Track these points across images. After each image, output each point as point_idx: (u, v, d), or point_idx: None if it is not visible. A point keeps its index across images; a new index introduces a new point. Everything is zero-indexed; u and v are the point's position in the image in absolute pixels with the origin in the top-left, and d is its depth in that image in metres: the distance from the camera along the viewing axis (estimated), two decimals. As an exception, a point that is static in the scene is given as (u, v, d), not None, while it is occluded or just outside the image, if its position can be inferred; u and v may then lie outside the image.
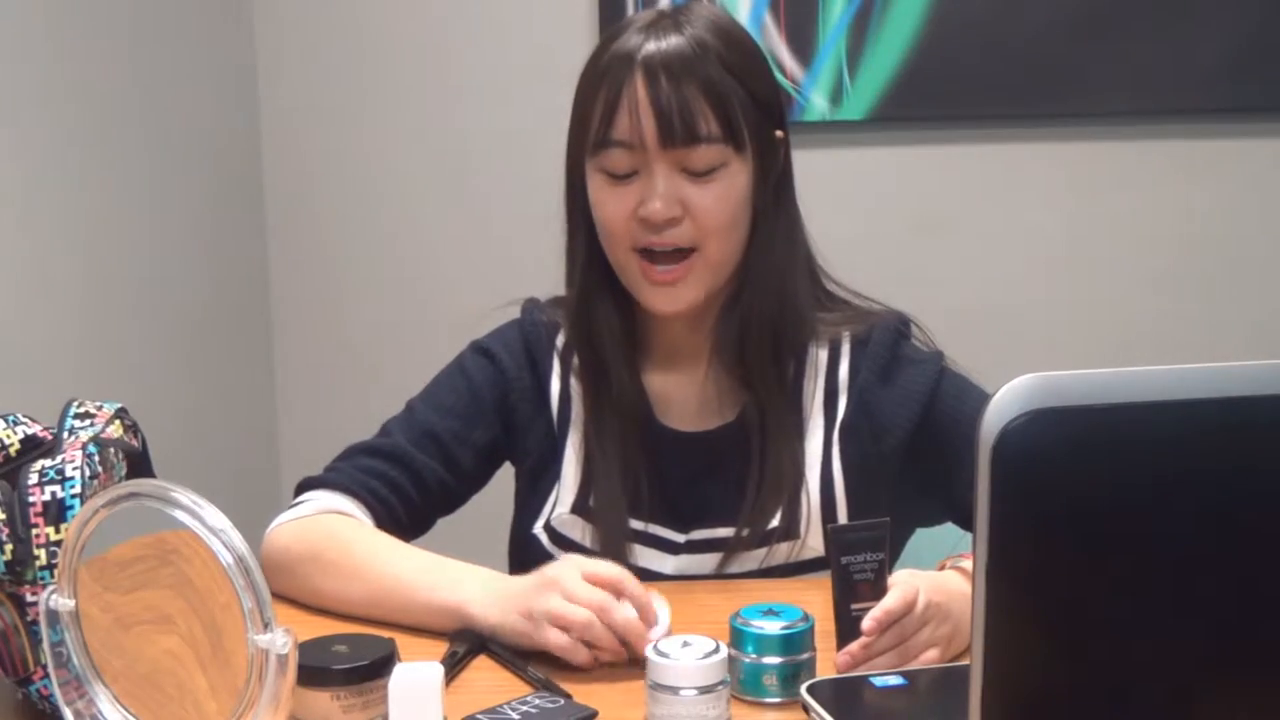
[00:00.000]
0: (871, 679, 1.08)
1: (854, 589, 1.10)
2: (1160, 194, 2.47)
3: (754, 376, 1.37)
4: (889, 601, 1.09)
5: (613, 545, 1.37)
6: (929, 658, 1.11)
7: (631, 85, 1.29)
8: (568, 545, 1.40)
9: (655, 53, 1.29)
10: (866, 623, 1.08)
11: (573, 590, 1.14)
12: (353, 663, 1.03)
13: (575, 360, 1.43)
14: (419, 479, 1.39)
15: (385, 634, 1.12)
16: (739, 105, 1.31)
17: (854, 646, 1.09)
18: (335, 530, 1.32)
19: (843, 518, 1.35)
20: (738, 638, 1.08)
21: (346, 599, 1.27)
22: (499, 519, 1.48)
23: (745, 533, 1.36)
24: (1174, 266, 2.49)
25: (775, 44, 2.40)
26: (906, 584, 1.10)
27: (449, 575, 1.25)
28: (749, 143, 1.33)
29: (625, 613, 1.13)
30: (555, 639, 1.13)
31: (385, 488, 1.38)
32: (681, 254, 1.33)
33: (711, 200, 1.31)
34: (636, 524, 1.39)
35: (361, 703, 1.03)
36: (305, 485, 1.39)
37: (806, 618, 1.09)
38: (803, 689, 1.06)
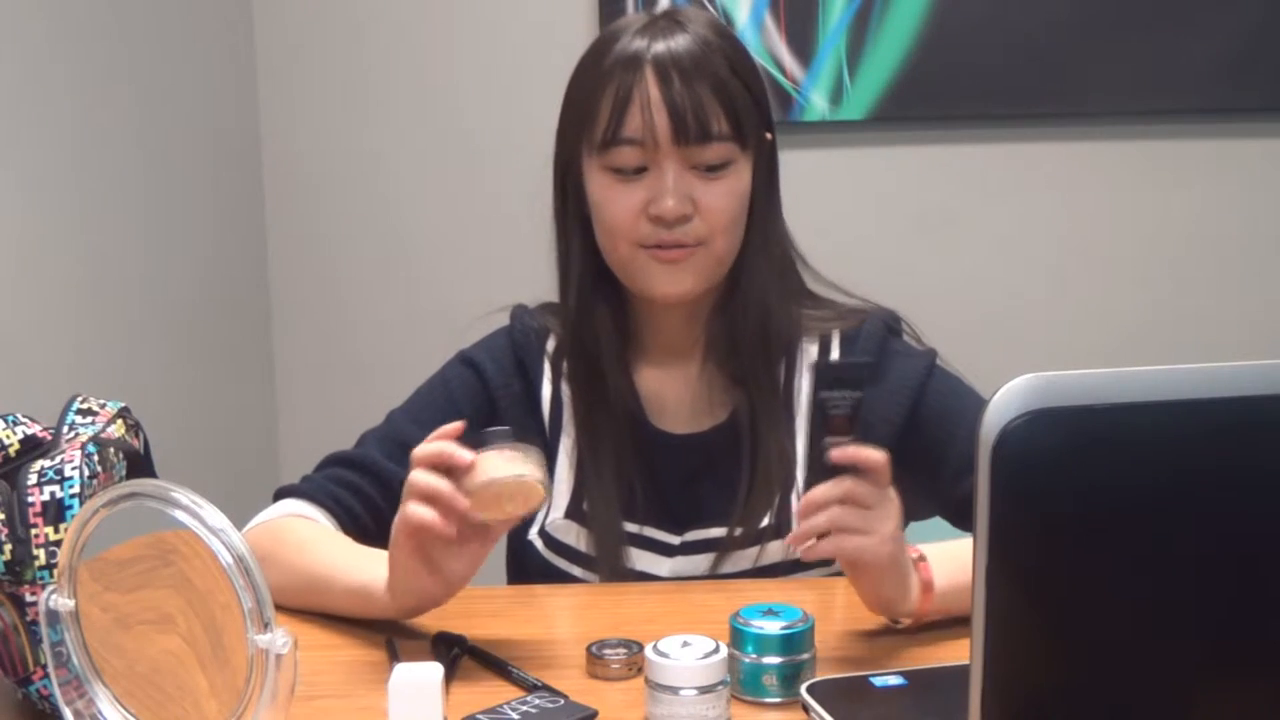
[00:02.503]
0: (871, 679, 1.08)
1: (830, 421, 1.12)
2: (1160, 194, 2.47)
3: (745, 373, 1.38)
4: (867, 450, 1.11)
5: (607, 549, 1.37)
6: (849, 545, 1.11)
7: (643, 84, 1.30)
8: (562, 550, 1.39)
9: (665, 52, 1.30)
10: (835, 453, 1.11)
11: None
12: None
13: (566, 365, 1.43)
14: (388, 489, 1.38)
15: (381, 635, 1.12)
16: (744, 105, 1.32)
17: (814, 494, 1.11)
18: (280, 529, 1.33)
19: None
20: (738, 638, 1.08)
21: (279, 590, 1.27)
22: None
23: (738, 533, 1.36)
24: (1174, 266, 2.49)
25: (775, 44, 2.40)
26: (881, 456, 1.12)
27: (366, 561, 1.25)
28: (751, 143, 1.34)
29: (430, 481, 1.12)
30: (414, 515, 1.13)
31: (351, 496, 1.38)
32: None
33: (720, 197, 1.32)
34: (631, 527, 1.39)
35: (522, 456, 1.13)
36: (279, 494, 1.40)
37: (806, 618, 1.09)
38: (803, 689, 1.06)
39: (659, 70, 1.29)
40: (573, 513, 1.40)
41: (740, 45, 1.37)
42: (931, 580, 1.17)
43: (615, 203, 1.33)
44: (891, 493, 1.14)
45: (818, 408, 1.10)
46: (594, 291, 1.39)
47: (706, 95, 1.30)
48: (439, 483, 1.12)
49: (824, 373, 1.12)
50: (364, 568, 1.23)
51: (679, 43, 1.30)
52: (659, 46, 1.30)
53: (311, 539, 1.31)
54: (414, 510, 1.12)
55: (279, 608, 1.26)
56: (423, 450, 1.15)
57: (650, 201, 1.31)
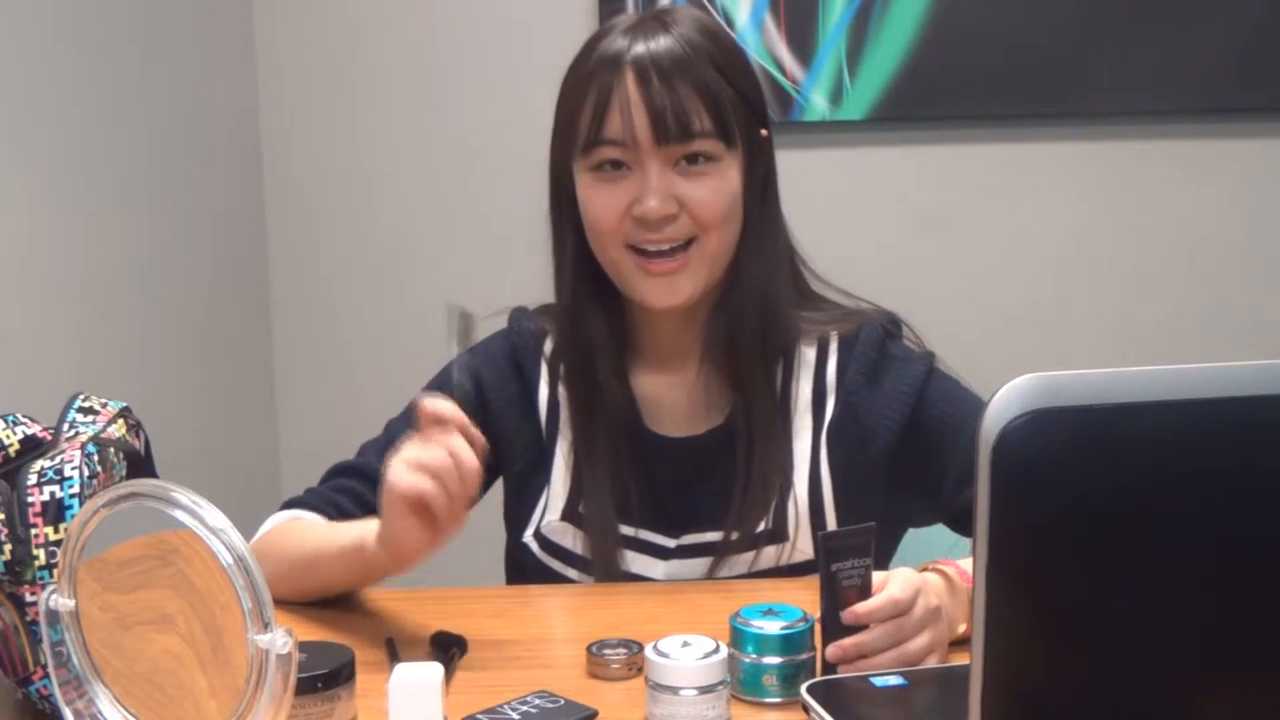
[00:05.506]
0: (871, 679, 1.08)
1: (841, 595, 1.09)
2: (1160, 194, 2.47)
3: (742, 377, 1.37)
4: (873, 601, 1.08)
5: (602, 551, 1.37)
6: (927, 663, 1.10)
7: (622, 85, 1.29)
8: (558, 552, 1.39)
9: (645, 53, 1.30)
10: (847, 617, 1.08)
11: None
12: (309, 671, 1.03)
13: (563, 367, 1.43)
14: None
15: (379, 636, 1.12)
16: (729, 104, 1.31)
17: (845, 641, 1.08)
18: (280, 530, 1.35)
19: (831, 520, 1.35)
20: (737, 638, 1.08)
21: (278, 580, 1.28)
22: (495, 533, 1.48)
23: (734, 537, 1.35)
24: (1174, 266, 2.49)
25: (775, 44, 2.40)
26: (903, 584, 1.10)
27: (353, 526, 1.28)
28: (739, 141, 1.33)
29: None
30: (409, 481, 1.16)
31: (352, 504, 1.38)
32: (679, 247, 1.32)
33: (706, 193, 1.31)
34: (627, 530, 1.39)
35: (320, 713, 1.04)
36: (284, 507, 1.41)
37: (806, 618, 1.09)
38: (803, 689, 1.06)
39: (639, 71, 1.29)
40: (569, 515, 1.39)
41: (728, 45, 1.36)
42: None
43: (599, 204, 1.33)
44: (931, 598, 1.11)
45: (829, 579, 1.09)
46: (588, 295, 1.38)
47: (687, 94, 1.29)
48: (446, 463, 1.15)
49: (829, 543, 1.08)
50: (352, 530, 1.26)
51: (660, 44, 1.30)
52: (640, 48, 1.30)
53: (305, 528, 1.34)
54: (424, 485, 1.15)
55: (281, 602, 1.28)
56: (433, 408, 1.18)
57: (634, 202, 1.31)
